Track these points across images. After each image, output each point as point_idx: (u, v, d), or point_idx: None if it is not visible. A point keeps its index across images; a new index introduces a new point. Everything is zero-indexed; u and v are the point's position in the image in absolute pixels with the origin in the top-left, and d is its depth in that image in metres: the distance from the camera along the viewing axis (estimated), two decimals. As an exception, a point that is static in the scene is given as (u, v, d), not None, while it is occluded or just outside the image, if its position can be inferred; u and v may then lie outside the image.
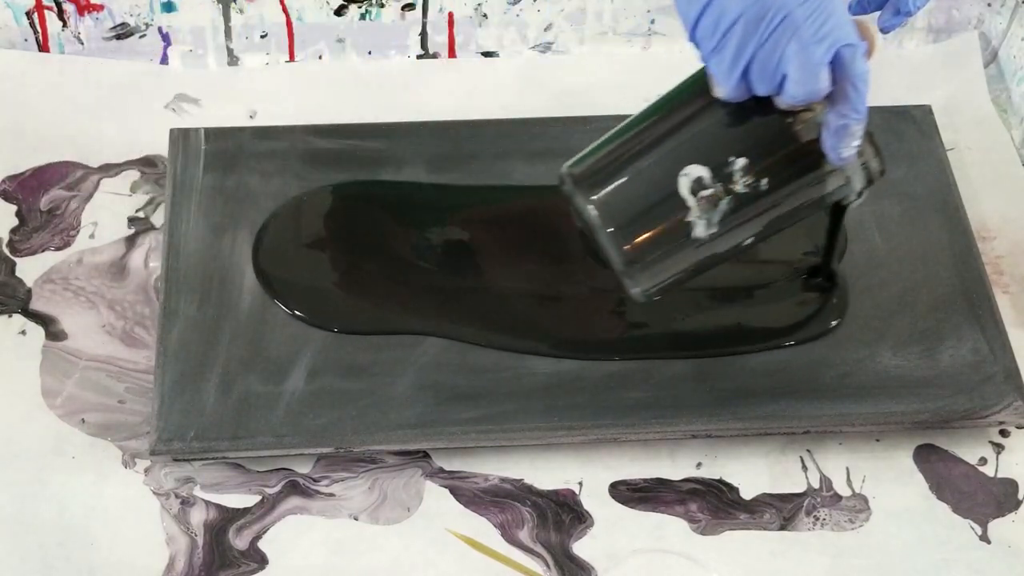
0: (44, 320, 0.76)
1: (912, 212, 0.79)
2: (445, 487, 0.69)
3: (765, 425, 0.70)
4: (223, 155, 0.80)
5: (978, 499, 0.70)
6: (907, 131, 0.83)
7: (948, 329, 0.73)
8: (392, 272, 0.76)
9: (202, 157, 0.80)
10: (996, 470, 0.71)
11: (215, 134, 0.81)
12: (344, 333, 0.73)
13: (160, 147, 0.82)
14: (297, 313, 0.73)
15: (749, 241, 0.63)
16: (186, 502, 0.68)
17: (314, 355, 0.71)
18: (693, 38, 0.59)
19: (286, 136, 0.82)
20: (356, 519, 0.68)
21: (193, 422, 0.68)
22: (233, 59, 0.90)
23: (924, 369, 0.72)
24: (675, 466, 0.71)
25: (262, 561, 0.66)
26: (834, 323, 0.74)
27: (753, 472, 0.70)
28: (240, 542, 0.67)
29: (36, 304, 0.76)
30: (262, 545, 0.67)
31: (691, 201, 0.61)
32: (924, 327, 0.74)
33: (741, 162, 0.61)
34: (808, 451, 0.71)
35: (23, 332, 0.75)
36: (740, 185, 0.61)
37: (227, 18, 0.88)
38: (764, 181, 0.61)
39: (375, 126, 0.83)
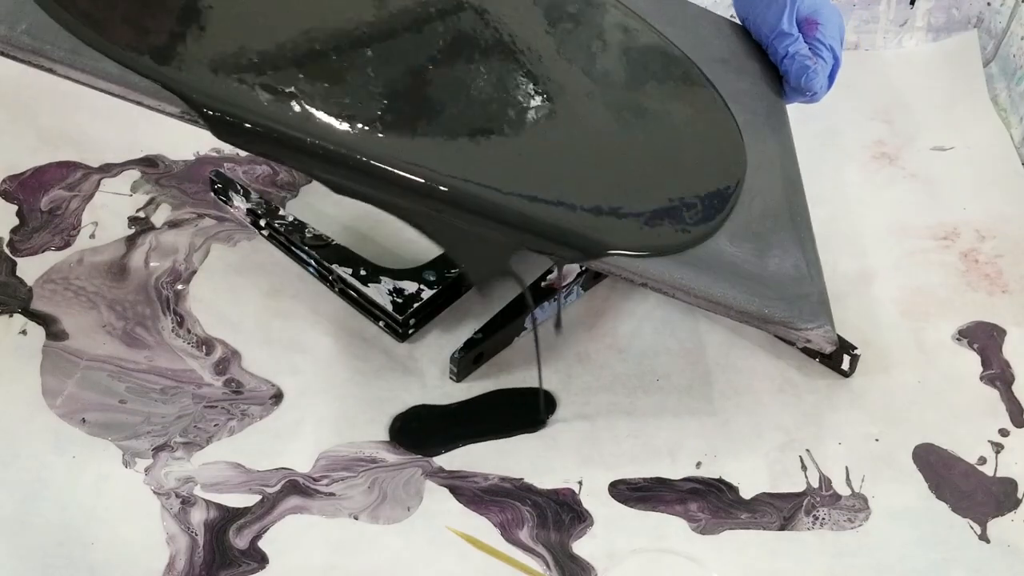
0: (45, 320, 0.76)
1: (753, 124, 0.78)
2: (445, 486, 0.69)
3: (606, 267, 0.67)
4: None
5: (977, 498, 0.70)
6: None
7: (776, 240, 0.72)
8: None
9: None
10: (995, 469, 0.71)
11: None
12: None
13: (160, 147, 0.83)
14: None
15: None
16: (186, 501, 0.68)
17: None
18: None
19: None
20: (356, 518, 0.68)
21: (30, 13, 0.60)
22: (233, 59, 0.90)
23: (754, 266, 0.70)
24: (675, 466, 0.71)
25: (262, 560, 0.66)
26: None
27: (752, 471, 0.70)
28: (240, 541, 0.67)
29: (37, 304, 0.76)
30: (262, 544, 0.67)
31: None
32: (757, 229, 0.72)
33: None
34: (807, 450, 0.71)
35: (24, 332, 0.75)
36: None
37: (227, 18, 0.88)
38: None
39: None
